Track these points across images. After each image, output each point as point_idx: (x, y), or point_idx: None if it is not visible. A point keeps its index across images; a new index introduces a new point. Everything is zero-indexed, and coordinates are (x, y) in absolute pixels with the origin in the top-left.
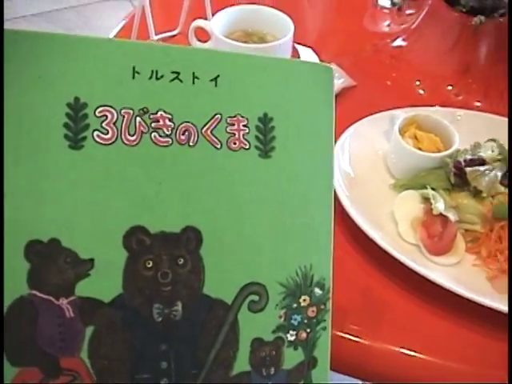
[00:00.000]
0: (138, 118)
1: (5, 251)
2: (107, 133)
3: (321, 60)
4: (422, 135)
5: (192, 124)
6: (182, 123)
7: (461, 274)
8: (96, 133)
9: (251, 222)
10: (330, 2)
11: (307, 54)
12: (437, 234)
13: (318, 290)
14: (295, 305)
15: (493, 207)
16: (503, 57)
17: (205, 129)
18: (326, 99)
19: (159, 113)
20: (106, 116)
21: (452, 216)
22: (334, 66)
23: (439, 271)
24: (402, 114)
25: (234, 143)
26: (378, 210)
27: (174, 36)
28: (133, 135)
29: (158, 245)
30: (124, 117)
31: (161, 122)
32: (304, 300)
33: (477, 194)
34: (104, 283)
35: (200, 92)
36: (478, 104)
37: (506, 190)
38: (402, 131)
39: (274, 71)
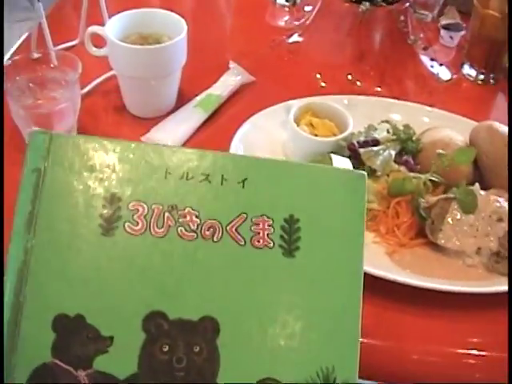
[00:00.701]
0: (167, 214)
1: (34, 321)
2: (137, 224)
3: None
4: (318, 122)
5: (217, 221)
6: (207, 220)
7: None
8: (127, 224)
9: (271, 318)
10: (229, 2)
11: (341, 162)
12: None
13: None
14: None
15: (388, 185)
16: (395, 43)
17: (230, 226)
18: (358, 205)
19: (187, 209)
20: (138, 209)
21: None
22: (232, 64)
23: None
24: (297, 103)
25: (258, 241)
26: None
27: (73, 46)
28: (160, 228)
29: (175, 331)
30: (154, 211)
31: (187, 218)
32: None
33: (372, 173)
34: (121, 361)
35: (227, 192)
36: (379, 89)
37: (401, 168)
38: (297, 120)
39: (303, 176)
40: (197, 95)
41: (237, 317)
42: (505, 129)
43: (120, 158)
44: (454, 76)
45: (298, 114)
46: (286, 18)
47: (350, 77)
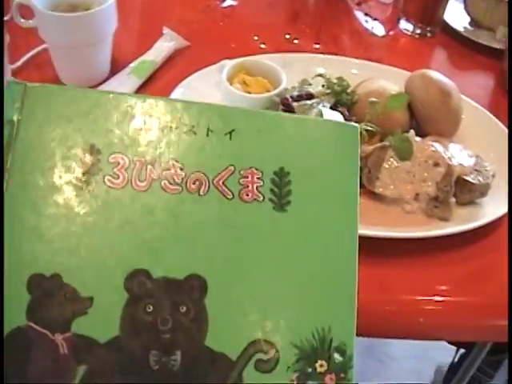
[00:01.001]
0: (150, 166)
1: (8, 281)
2: (118, 177)
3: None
4: (251, 79)
5: (203, 174)
6: (193, 172)
7: None
8: (107, 177)
9: (262, 276)
10: None
11: (332, 115)
12: None
13: (337, 356)
14: (310, 369)
15: None
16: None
17: (217, 179)
18: (351, 158)
19: (171, 162)
20: (118, 162)
21: None
22: (165, 30)
23: None
24: (230, 63)
25: (247, 194)
26: None
27: (6, 22)
28: (143, 181)
29: (159, 290)
30: (136, 164)
31: (172, 171)
32: (321, 365)
33: None
34: (101, 323)
35: (213, 144)
36: (317, 46)
37: None
38: (230, 79)
39: (293, 128)
40: (130, 63)
41: (225, 275)
42: (439, 76)
43: (99, 107)
44: (391, 31)
45: (231, 72)
46: None
47: (287, 36)
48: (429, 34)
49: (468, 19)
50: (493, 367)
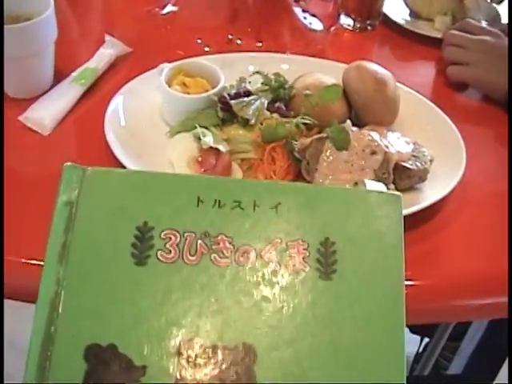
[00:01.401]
0: (200, 241)
1: (66, 351)
2: (170, 252)
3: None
4: (190, 81)
5: (251, 247)
6: (241, 246)
7: None
8: (160, 252)
9: (307, 343)
10: None
11: (375, 186)
12: (210, 167)
13: None
14: None
15: (261, 132)
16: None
17: (264, 251)
18: (394, 225)
19: (220, 236)
20: (170, 238)
21: (222, 147)
22: (107, 38)
23: None
24: (169, 65)
25: (294, 265)
26: (156, 158)
27: None
28: (193, 255)
29: (209, 358)
30: (186, 239)
31: (221, 245)
32: None
33: (246, 123)
34: None
35: (260, 218)
36: (259, 45)
37: (274, 115)
38: (169, 81)
39: (338, 199)
40: (73, 71)
41: (273, 342)
42: (374, 66)
43: (150, 189)
44: (333, 27)
45: (170, 75)
46: None
47: (230, 36)
48: (369, 28)
49: (407, 11)
50: (452, 351)
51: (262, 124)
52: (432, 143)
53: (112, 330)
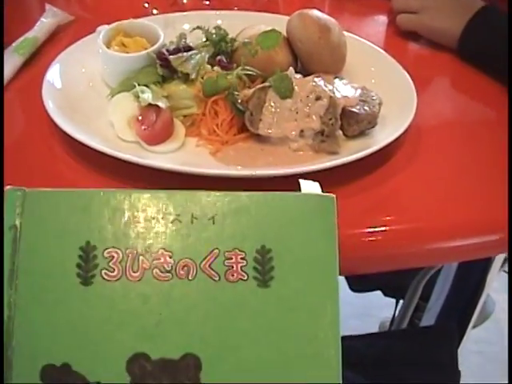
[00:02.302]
0: (141, 257)
1: (23, 374)
2: (113, 270)
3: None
4: (129, 41)
5: (191, 259)
6: (181, 259)
7: (185, 156)
8: (104, 271)
9: (251, 350)
10: None
11: (309, 187)
12: (150, 124)
13: None
14: None
15: (202, 86)
16: None
17: (203, 263)
18: (328, 228)
19: (160, 251)
20: (113, 256)
21: (162, 104)
22: (47, 6)
23: (163, 158)
24: (107, 27)
25: (232, 275)
26: (98, 121)
27: None
28: (136, 272)
29: (158, 371)
30: (128, 256)
31: (161, 260)
32: None
33: (186, 79)
34: None
35: (198, 230)
36: (207, 3)
37: (215, 69)
38: (108, 43)
39: (271, 206)
40: (14, 42)
41: (217, 351)
42: (317, 13)
43: (89, 206)
44: None
45: (109, 36)
46: None
47: None
48: None
49: None
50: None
51: (202, 78)
52: (382, 88)
53: (65, 350)
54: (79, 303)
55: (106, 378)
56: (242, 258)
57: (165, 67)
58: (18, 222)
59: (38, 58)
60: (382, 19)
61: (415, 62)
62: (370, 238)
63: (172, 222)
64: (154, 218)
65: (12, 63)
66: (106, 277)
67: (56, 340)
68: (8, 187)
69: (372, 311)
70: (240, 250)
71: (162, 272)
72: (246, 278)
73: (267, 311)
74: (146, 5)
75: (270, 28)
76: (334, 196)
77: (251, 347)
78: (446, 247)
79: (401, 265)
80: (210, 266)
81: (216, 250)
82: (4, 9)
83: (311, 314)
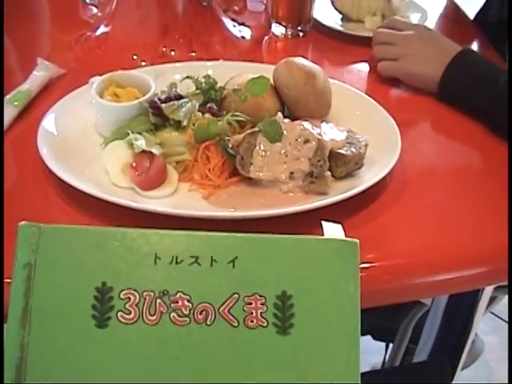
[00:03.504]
0: (159, 300)
1: None
2: (130, 313)
3: None
4: (121, 91)
5: (209, 304)
6: (199, 303)
7: (179, 200)
8: (120, 313)
9: None
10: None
11: (333, 230)
12: (144, 171)
13: None
14: None
15: (194, 132)
16: (196, 9)
17: (222, 308)
18: (351, 274)
19: (178, 294)
20: (129, 298)
21: (155, 150)
22: (39, 60)
23: (156, 203)
24: (99, 78)
25: (252, 321)
26: (92, 168)
27: None
28: (153, 315)
29: None
30: (145, 299)
31: (179, 303)
32: None
33: (178, 126)
34: None
35: (218, 274)
36: (193, 54)
37: (206, 116)
38: (101, 93)
39: (294, 249)
40: (7, 95)
41: None
42: (302, 60)
43: (107, 247)
44: (266, 36)
45: (101, 87)
46: (94, 12)
47: (164, 49)
48: (301, 34)
49: (337, 15)
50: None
51: (194, 125)
52: (367, 131)
53: None
54: (94, 346)
55: None
56: (261, 304)
57: (157, 115)
58: (32, 260)
59: (32, 110)
60: (363, 66)
61: (397, 105)
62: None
63: (191, 265)
64: (172, 260)
65: (7, 115)
66: (122, 319)
67: (69, 380)
68: (22, 223)
69: (363, 356)
70: (260, 295)
71: (179, 316)
72: (265, 325)
73: (286, 359)
74: (135, 57)
75: (257, 75)
76: (358, 241)
77: None
78: (432, 281)
79: (387, 300)
80: (228, 310)
81: (236, 295)
82: None
83: (331, 364)
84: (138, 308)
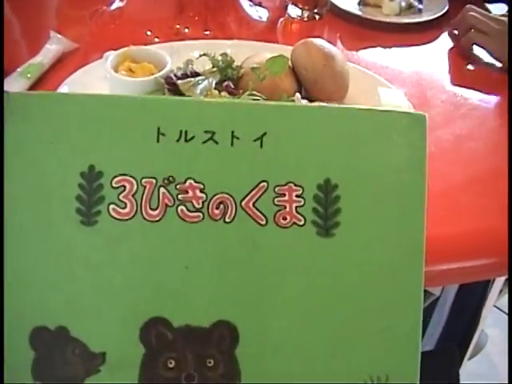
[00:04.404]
0: (162, 189)
1: (9, 337)
2: (125, 206)
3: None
4: (136, 66)
5: (229, 195)
6: (216, 194)
7: None
8: (112, 206)
9: (304, 318)
10: None
11: (393, 97)
12: None
13: None
14: None
15: None
16: None
17: (245, 201)
18: (417, 160)
19: (188, 182)
20: (124, 187)
21: None
22: (52, 34)
23: None
24: (114, 53)
25: (284, 218)
26: None
27: None
28: (155, 209)
29: (182, 341)
30: (145, 188)
31: (190, 194)
32: None
33: None
34: (117, 382)
35: (240, 155)
36: (207, 33)
37: (222, 94)
38: (115, 68)
39: (342, 125)
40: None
41: (259, 319)
42: (321, 42)
43: (98, 117)
44: (281, 18)
45: (116, 62)
46: None
47: (178, 26)
48: (317, 17)
49: None
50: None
51: None
52: None
53: (60, 309)
54: (79, 249)
55: (113, 348)
56: (298, 196)
57: (172, 92)
58: None
59: (44, 83)
60: (379, 51)
61: (414, 90)
62: None
63: (205, 143)
64: (180, 137)
65: (19, 87)
66: (114, 214)
67: (49, 297)
68: None
69: None
70: (296, 185)
71: (189, 210)
72: (302, 223)
73: (328, 267)
74: (149, 33)
75: (277, 54)
76: (426, 115)
77: (304, 314)
78: (441, 270)
79: None
80: (254, 204)
81: (263, 184)
82: (9, 37)
83: (387, 276)
84: (135, 200)
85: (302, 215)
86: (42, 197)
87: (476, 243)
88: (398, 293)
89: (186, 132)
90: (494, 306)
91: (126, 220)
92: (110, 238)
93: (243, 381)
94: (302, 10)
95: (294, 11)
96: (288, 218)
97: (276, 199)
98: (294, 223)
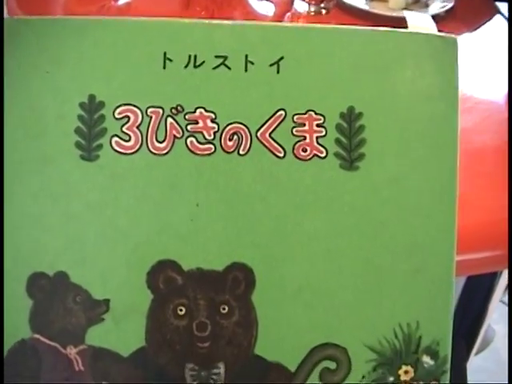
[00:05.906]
0: (170, 119)
1: (5, 284)
2: (129, 139)
3: None
4: None
5: (243, 125)
6: (228, 124)
7: None
8: (115, 139)
9: (327, 259)
10: None
11: (421, 21)
12: None
13: (427, 360)
14: (392, 378)
15: None
16: None
17: (261, 131)
18: (449, 89)
19: (198, 111)
20: (128, 117)
21: None
22: None
23: None
24: None
25: (304, 150)
26: None
27: None
28: (162, 141)
29: (193, 286)
30: (151, 118)
31: (200, 124)
32: (405, 372)
33: None
34: (122, 332)
35: (255, 82)
36: None
37: None
38: None
39: (367, 48)
40: None
41: (278, 261)
42: None
43: (98, 41)
44: (288, 13)
45: None
46: None
47: None
48: (323, 11)
49: None
50: None
51: None
52: None
53: (59, 253)
54: (79, 187)
55: (117, 295)
56: (319, 125)
57: None
58: None
59: None
60: None
61: None
62: None
63: (216, 68)
64: (189, 62)
65: None
66: (117, 148)
67: (48, 240)
68: None
69: None
70: (317, 113)
71: (200, 142)
72: (323, 155)
73: (352, 204)
74: None
75: None
76: (457, 38)
77: (327, 256)
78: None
79: None
80: (270, 135)
81: (281, 112)
82: None
83: (417, 214)
84: (140, 131)
85: (324, 146)
86: (38, 131)
87: (482, 236)
88: (430, 233)
89: (195, 57)
90: (502, 302)
91: (131, 154)
92: (112, 173)
93: (260, 329)
94: (309, 4)
95: (300, 6)
96: (308, 149)
97: (295, 129)
98: (315, 155)
